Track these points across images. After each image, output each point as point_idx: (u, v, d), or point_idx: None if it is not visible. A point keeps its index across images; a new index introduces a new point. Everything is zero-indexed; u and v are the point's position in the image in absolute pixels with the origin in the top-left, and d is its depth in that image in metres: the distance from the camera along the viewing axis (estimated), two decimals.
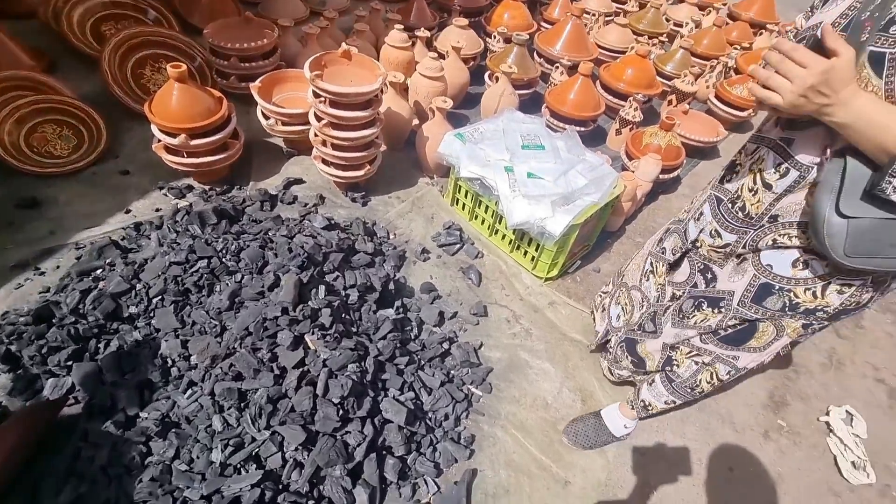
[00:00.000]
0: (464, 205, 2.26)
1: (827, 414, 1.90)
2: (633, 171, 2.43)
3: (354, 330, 1.62)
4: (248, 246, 1.72)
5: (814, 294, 1.05)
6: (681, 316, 1.35)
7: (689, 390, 1.45)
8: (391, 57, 2.63)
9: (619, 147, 2.76)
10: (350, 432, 1.38)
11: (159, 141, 1.98)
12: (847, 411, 1.90)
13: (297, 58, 2.63)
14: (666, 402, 1.54)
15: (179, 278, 1.62)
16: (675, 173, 2.63)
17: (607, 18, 3.69)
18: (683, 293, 1.36)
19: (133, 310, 1.57)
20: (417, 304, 1.89)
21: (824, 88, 0.78)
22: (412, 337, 1.77)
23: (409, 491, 1.42)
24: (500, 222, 2.12)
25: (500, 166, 1.97)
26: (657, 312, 1.46)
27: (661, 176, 2.48)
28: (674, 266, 1.42)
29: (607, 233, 2.41)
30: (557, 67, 2.98)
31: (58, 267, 1.77)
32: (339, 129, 1.98)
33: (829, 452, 1.79)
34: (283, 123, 2.23)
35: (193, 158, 2.01)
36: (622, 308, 1.68)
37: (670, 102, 3.11)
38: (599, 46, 3.39)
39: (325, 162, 2.16)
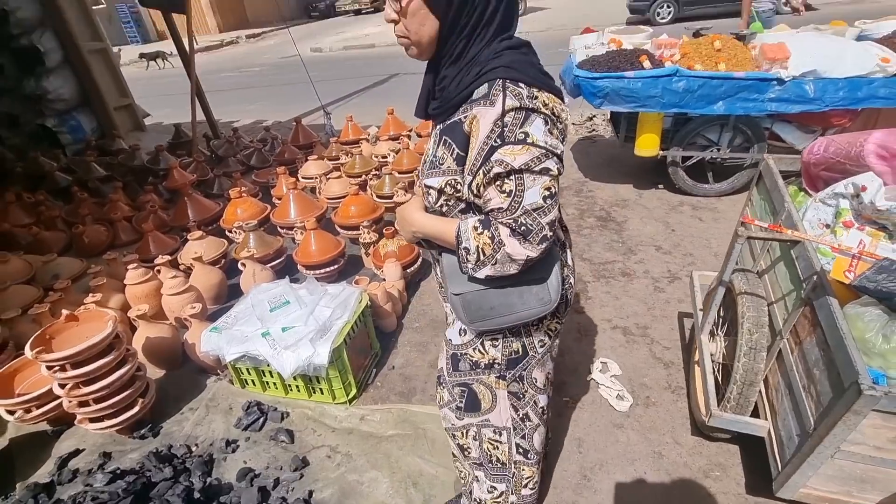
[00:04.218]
0: (252, 381, 2.41)
1: (591, 372, 2.40)
2: (384, 280, 2.92)
3: None
4: None
5: (479, 351, 1.22)
6: (438, 399, 1.45)
7: (500, 465, 1.45)
8: (136, 293, 2.79)
9: (371, 265, 3.27)
10: None
11: None
12: (601, 362, 2.44)
13: None
14: (490, 491, 1.50)
15: None
16: (418, 263, 3.19)
17: (328, 176, 4.45)
18: None
19: None
20: (236, 495, 1.91)
21: (406, 230, 1.16)
22: None
23: None
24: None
25: (257, 335, 2.21)
26: None
27: (407, 271, 3.01)
28: None
29: (388, 334, 2.77)
30: (297, 230, 3.47)
31: None
32: (89, 384, 2.02)
33: (603, 399, 2.26)
34: (37, 406, 2.16)
35: None
36: None
37: None
38: (329, 199, 4.04)
39: (93, 420, 2.13)
